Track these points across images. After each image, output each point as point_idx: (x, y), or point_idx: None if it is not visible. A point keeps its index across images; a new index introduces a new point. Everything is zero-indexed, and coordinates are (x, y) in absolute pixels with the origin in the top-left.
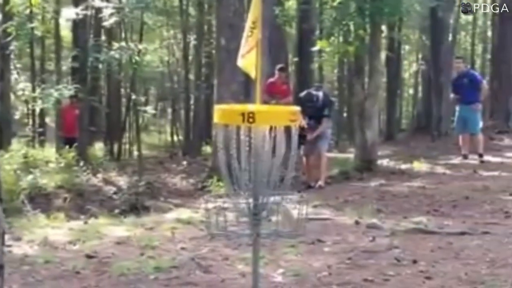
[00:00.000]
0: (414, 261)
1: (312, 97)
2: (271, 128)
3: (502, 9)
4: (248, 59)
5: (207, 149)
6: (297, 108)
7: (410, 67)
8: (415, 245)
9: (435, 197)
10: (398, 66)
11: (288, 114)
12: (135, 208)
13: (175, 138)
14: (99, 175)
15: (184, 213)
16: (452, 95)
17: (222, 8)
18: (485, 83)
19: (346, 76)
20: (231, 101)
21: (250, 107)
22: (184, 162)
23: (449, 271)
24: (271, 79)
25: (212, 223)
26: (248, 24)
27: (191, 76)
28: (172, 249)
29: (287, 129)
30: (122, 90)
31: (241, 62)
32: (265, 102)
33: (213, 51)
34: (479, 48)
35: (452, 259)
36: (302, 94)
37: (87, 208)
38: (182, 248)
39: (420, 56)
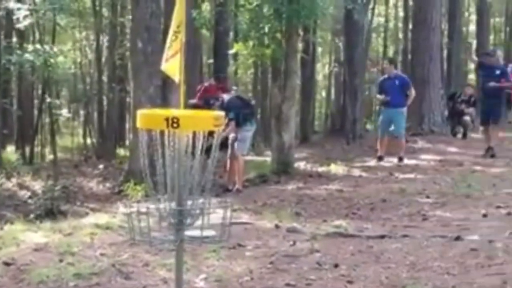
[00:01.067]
0: (336, 265)
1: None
2: (194, 133)
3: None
4: (172, 63)
5: (121, 152)
6: (222, 114)
7: (323, 69)
8: (336, 249)
9: (353, 200)
10: (312, 69)
11: (212, 119)
12: (51, 212)
13: (88, 140)
14: (13, 179)
15: (102, 218)
16: (378, 96)
17: (138, 10)
18: (413, 90)
19: (259, 78)
20: (148, 105)
21: (174, 112)
22: (101, 166)
23: (370, 275)
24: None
25: (134, 229)
26: (172, 28)
27: (104, 78)
28: (91, 256)
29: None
30: (34, 92)
31: (165, 66)
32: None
33: (127, 53)
34: (390, 51)
35: (373, 263)
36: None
37: (1, 213)
38: (102, 254)
39: (333, 58)
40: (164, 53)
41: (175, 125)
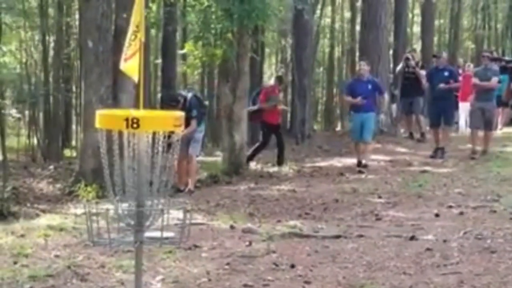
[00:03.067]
0: (292, 266)
1: (176, 96)
2: (154, 134)
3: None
4: (132, 63)
5: (68, 152)
6: (182, 114)
7: (270, 69)
8: (292, 249)
9: (305, 200)
10: (261, 69)
11: (172, 119)
12: (1, 214)
13: (34, 141)
14: None
15: (55, 220)
16: (349, 99)
17: (89, 10)
18: (386, 95)
19: (207, 79)
20: (99, 105)
21: (134, 112)
22: (51, 167)
23: (327, 275)
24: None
25: (93, 230)
26: (131, 28)
27: (50, 79)
28: (46, 257)
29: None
30: None
31: (124, 66)
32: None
33: (72, 53)
34: (336, 52)
35: (330, 263)
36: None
37: None
38: (57, 256)
39: (279, 59)
40: (123, 53)
41: (135, 125)
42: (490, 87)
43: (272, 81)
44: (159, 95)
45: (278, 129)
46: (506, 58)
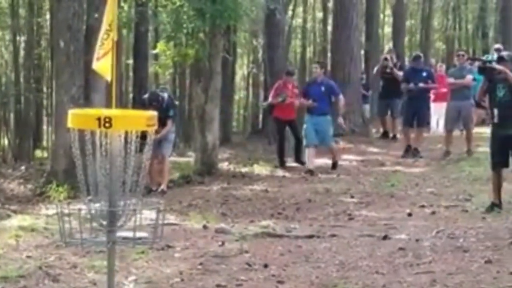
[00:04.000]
0: (265, 265)
1: (157, 97)
2: (126, 133)
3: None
4: (104, 62)
5: (39, 153)
6: (154, 113)
7: (241, 70)
8: (265, 249)
9: (278, 200)
10: (233, 69)
11: (145, 119)
12: None
13: (5, 141)
14: None
15: (26, 220)
16: (303, 101)
17: (61, 10)
18: (342, 97)
19: (179, 78)
20: (71, 105)
21: (106, 111)
22: (22, 168)
23: (300, 275)
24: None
25: (65, 231)
26: (103, 27)
27: (21, 79)
28: (17, 258)
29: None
30: None
31: (96, 65)
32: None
33: (43, 53)
34: (308, 52)
35: (303, 263)
36: (146, 95)
37: None
38: (28, 257)
39: (251, 59)
40: (95, 52)
41: (107, 125)
42: (465, 85)
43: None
44: (131, 95)
45: (291, 124)
46: (484, 58)
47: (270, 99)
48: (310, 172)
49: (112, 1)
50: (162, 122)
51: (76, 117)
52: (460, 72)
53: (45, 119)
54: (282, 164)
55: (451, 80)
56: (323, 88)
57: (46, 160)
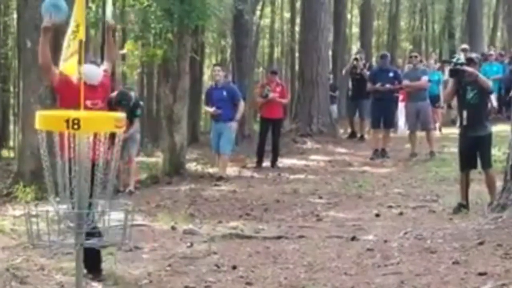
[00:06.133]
0: (234, 267)
1: (126, 95)
2: (95, 135)
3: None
4: (71, 63)
5: (6, 153)
6: (123, 114)
7: (209, 69)
8: (234, 251)
9: (246, 200)
10: (201, 69)
11: (114, 120)
12: None
13: None
14: None
15: None
16: (207, 108)
17: (27, 9)
18: (242, 102)
19: (146, 78)
20: (38, 105)
21: (74, 113)
22: None
23: (268, 276)
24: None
25: (33, 233)
26: (70, 28)
27: None
28: None
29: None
30: None
31: (63, 66)
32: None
33: (9, 53)
34: (276, 52)
35: (271, 264)
36: (115, 93)
37: None
38: None
39: (219, 59)
40: (62, 53)
41: (75, 126)
42: (421, 87)
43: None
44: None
45: (276, 124)
46: (454, 60)
47: (257, 98)
48: (221, 178)
49: (79, 2)
50: (130, 121)
51: (44, 119)
52: (415, 73)
53: (11, 118)
54: (259, 164)
55: (406, 82)
56: (225, 93)
57: (13, 160)
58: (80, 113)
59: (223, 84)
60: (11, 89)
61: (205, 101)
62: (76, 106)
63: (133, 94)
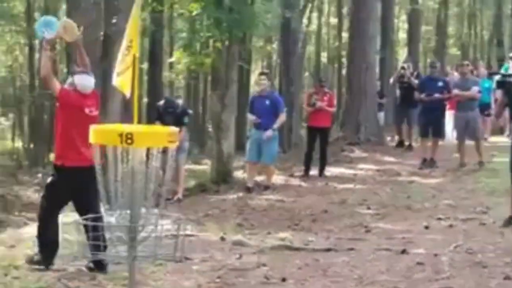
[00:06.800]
0: (283, 279)
1: (172, 103)
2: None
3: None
4: (124, 78)
5: (53, 157)
6: (176, 129)
7: (254, 75)
8: (283, 263)
9: (294, 210)
10: (248, 77)
11: (167, 135)
12: None
13: (17, 144)
14: None
15: None
16: (249, 116)
17: (78, 18)
18: (284, 114)
19: (192, 85)
20: None
21: (128, 127)
22: (39, 175)
23: None
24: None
25: (84, 244)
26: (124, 43)
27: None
28: (36, 269)
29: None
30: None
31: (116, 81)
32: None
33: (58, 57)
34: (322, 58)
35: (320, 277)
36: (161, 101)
37: None
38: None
39: (265, 64)
40: (116, 68)
41: (129, 141)
42: (471, 98)
43: None
44: (145, 100)
45: (323, 133)
46: (502, 71)
47: (304, 106)
48: (248, 189)
49: (134, 18)
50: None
51: (98, 133)
52: (465, 83)
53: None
54: (306, 173)
55: (456, 91)
56: (268, 102)
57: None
58: (134, 128)
59: (267, 93)
60: None
61: (249, 109)
62: (75, 115)
63: (180, 101)
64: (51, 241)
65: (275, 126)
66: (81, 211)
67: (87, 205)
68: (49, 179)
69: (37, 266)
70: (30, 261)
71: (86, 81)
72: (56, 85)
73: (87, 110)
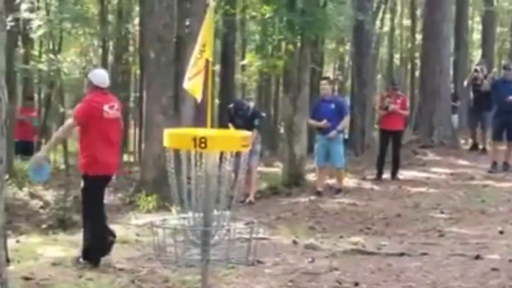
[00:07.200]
0: (356, 284)
1: (242, 105)
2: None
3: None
4: (195, 83)
5: (125, 157)
6: (248, 134)
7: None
8: (355, 267)
9: (367, 214)
10: (320, 79)
11: (240, 139)
12: (63, 223)
13: None
14: (25, 189)
15: (117, 231)
16: (311, 121)
17: (151, 21)
18: (348, 116)
19: (264, 87)
20: (160, 116)
21: (201, 132)
22: (113, 177)
23: None
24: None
25: (159, 246)
26: (198, 46)
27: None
28: (110, 271)
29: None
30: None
31: (187, 85)
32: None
33: (130, 59)
34: (395, 59)
35: (393, 282)
36: (231, 104)
37: (15, 225)
38: (121, 270)
39: (337, 66)
40: (187, 71)
41: (202, 145)
42: None
43: None
44: (216, 101)
45: (396, 135)
46: None
47: (377, 109)
48: (318, 193)
49: (207, 23)
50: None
51: (172, 137)
52: None
53: (131, 122)
54: (379, 176)
55: None
56: (333, 106)
57: (133, 165)
58: (207, 132)
59: (331, 97)
60: (131, 93)
61: (311, 114)
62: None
63: (251, 104)
64: (98, 240)
65: (339, 127)
66: None
67: None
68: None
69: (83, 264)
70: (77, 261)
71: (103, 75)
72: (68, 122)
73: (106, 107)
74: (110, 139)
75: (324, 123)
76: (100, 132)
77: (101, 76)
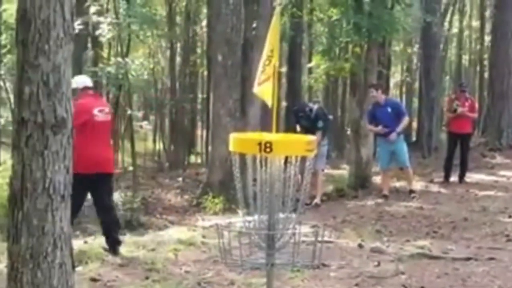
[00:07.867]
0: None
1: (304, 107)
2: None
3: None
4: (265, 88)
5: (192, 158)
6: (313, 138)
7: (393, 77)
8: (421, 271)
9: (433, 218)
10: (387, 81)
11: (305, 144)
12: (130, 224)
13: (159, 146)
14: None
15: (183, 232)
16: (370, 127)
17: (219, 24)
18: (407, 117)
19: (331, 90)
20: (227, 118)
21: (267, 136)
22: (179, 179)
23: None
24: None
25: (225, 249)
26: (265, 52)
27: (177, 85)
28: (176, 273)
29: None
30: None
31: (257, 90)
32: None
33: (198, 60)
34: (463, 61)
35: (460, 286)
36: (295, 107)
37: (83, 226)
38: (187, 272)
39: (404, 67)
40: (257, 77)
41: (267, 149)
42: None
43: None
44: (283, 103)
45: (465, 138)
46: None
47: (445, 112)
48: (385, 197)
49: (274, 28)
50: (311, 133)
51: (238, 141)
52: None
53: (199, 124)
54: (446, 179)
55: None
56: (389, 109)
57: (200, 167)
58: (273, 136)
59: (385, 101)
60: (199, 95)
61: (369, 120)
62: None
63: (316, 106)
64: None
65: (398, 129)
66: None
67: None
68: None
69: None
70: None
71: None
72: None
73: (96, 110)
74: (98, 141)
75: (380, 128)
76: (89, 134)
77: (80, 79)
